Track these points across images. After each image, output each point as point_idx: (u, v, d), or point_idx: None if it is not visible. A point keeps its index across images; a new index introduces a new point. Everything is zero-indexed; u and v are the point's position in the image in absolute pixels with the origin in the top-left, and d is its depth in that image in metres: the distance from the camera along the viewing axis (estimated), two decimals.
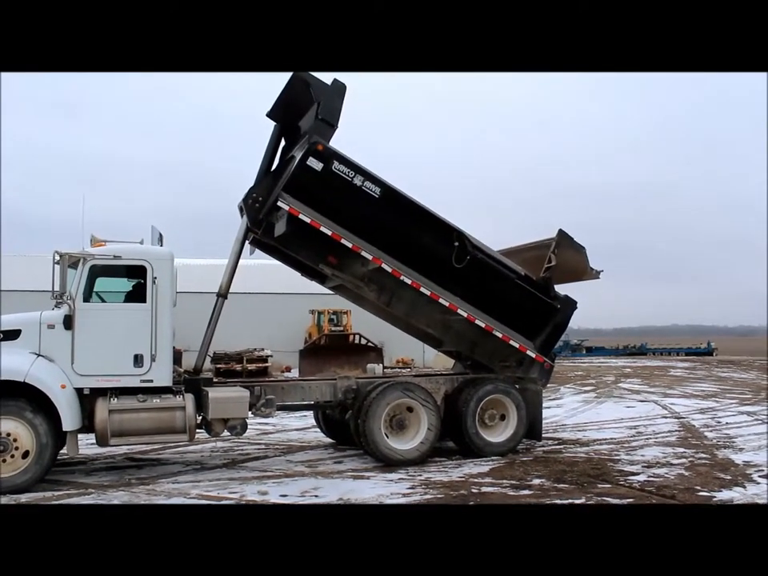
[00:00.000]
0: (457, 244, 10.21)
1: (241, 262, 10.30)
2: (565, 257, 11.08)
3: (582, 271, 11.47)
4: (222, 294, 10.08)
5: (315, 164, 9.31)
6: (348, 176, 9.52)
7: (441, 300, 10.25)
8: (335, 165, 9.43)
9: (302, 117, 10.06)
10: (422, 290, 10.12)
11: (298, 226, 9.41)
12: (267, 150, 10.45)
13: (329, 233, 9.53)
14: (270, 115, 10.41)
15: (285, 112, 10.25)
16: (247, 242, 10.35)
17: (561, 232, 11.12)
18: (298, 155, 9.45)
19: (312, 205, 9.48)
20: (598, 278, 11.53)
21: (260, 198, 9.66)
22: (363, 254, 9.73)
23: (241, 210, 10.16)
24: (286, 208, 9.28)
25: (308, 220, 9.39)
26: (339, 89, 9.55)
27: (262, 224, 9.76)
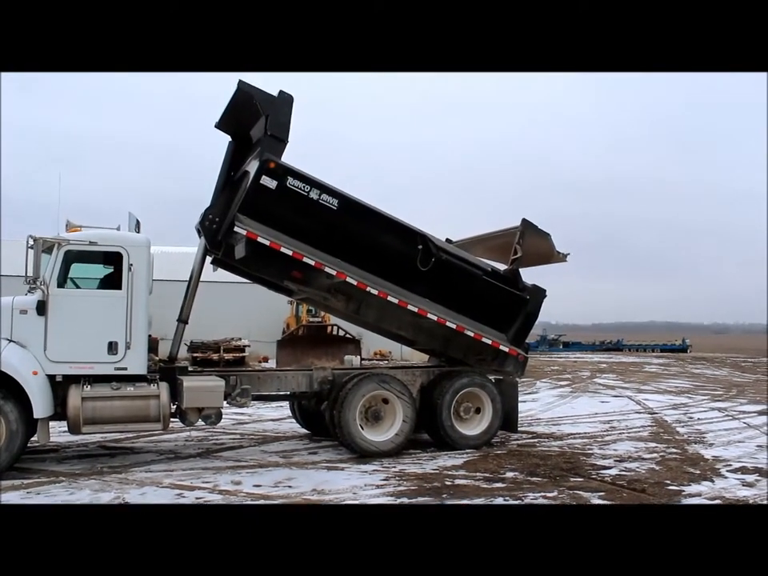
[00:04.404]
0: (421, 247, 10.10)
1: None
2: (530, 245, 11.13)
3: (549, 255, 11.56)
4: (183, 320, 9.98)
5: (269, 182, 9.03)
6: (304, 191, 9.25)
7: (409, 306, 10.15)
8: (290, 181, 9.16)
9: (252, 127, 9.79)
10: (390, 298, 10.00)
11: (257, 248, 9.13)
12: (222, 167, 10.17)
13: (290, 253, 9.28)
14: (218, 126, 10.16)
15: (233, 124, 10.02)
16: (209, 259, 10.14)
17: (524, 221, 11.13)
18: (252, 172, 9.16)
19: (270, 223, 9.21)
20: (566, 260, 11.61)
21: (216, 219, 9.35)
22: (327, 269, 9.52)
23: (198, 231, 9.86)
24: (244, 232, 8.97)
25: (267, 242, 9.10)
26: (286, 100, 9.20)
27: (221, 246, 9.46)
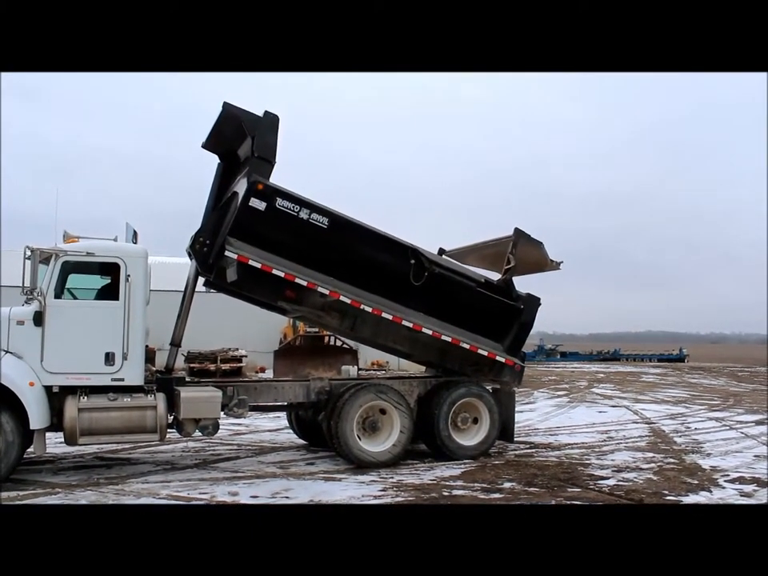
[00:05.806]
0: (413, 261, 10.12)
1: None
2: (523, 254, 11.15)
3: (543, 264, 11.60)
4: (176, 344, 9.98)
5: (258, 204, 9.02)
6: (293, 211, 9.26)
7: (404, 321, 10.15)
8: (278, 201, 9.17)
9: (240, 146, 9.82)
10: (384, 314, 10.00)
11: (249, 270, 9.10)
12: (212, 188, 10.18)
13: (282, 274, 9.27)
14: (205, 147, 10.18)
15: (220, 144, 10.05)
16: (200, 281, 10.12)
17: (517, 231, 11.13)
18: (240, 193, 9.15)
19: (261, 244, 9.20)
20: (559, 268, 11.63)
21: (207, 242, 9.28)
22: (320, 289, 9.51)
23: (189, 254, 9.78)
24: (234, 256, 8.96)
25: (258, 265, 9.09)
26: (272, 121, 9.18)
27: (213, 269, 9.37)
